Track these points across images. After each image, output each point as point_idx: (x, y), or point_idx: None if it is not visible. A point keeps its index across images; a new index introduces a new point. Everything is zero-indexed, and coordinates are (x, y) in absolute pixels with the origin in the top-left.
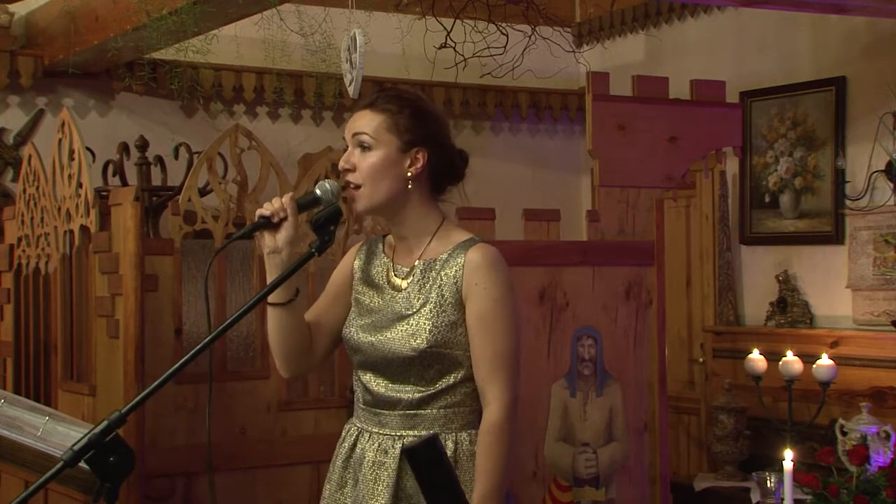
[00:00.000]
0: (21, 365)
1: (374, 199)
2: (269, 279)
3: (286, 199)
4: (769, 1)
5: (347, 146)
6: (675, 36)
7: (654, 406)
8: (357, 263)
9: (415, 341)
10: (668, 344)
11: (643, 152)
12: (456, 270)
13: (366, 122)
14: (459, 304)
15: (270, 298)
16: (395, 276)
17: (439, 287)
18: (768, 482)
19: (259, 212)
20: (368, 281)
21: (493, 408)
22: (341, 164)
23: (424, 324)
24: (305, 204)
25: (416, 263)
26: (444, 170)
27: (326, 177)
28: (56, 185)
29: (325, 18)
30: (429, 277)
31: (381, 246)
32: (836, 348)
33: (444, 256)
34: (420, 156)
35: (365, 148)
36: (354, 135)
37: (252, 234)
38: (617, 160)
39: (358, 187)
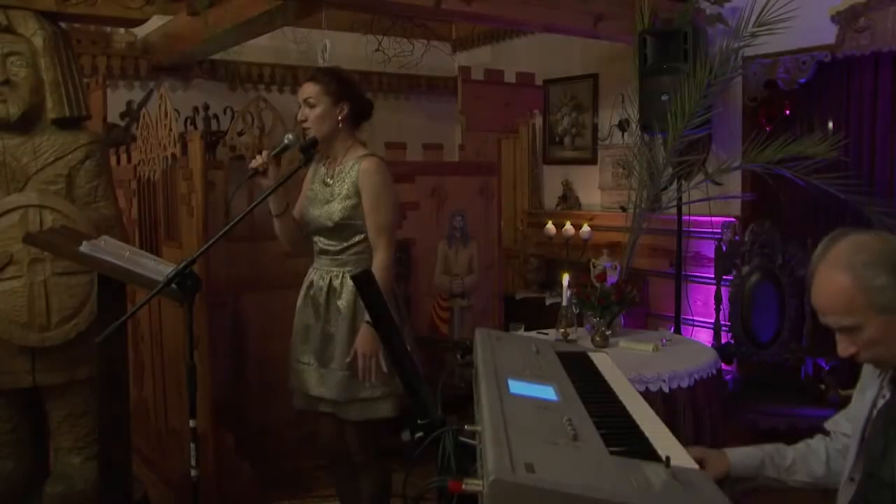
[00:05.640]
0: (142, 232)
1: (318, 133)
2: (271, 202)
3: (265, 154)
4: (559, 29)
5: (301, 105)
6: (508, 46)
7: (495, 253)
8: (310, 175)
9: (332, 218)
10: (504, 219)
11: (491, 112)
12: (355, 172)
13: (310, 90)
14: (357, 194)
15: (274, 211)
16: (327, 177)
17: (346, 183)
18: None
19: (250, 165)
20: (314, 181)
21: (379, 255)
22: (298, 117)
23: (337, 206)
24: (279, 152)
25: (336, 169)
26: (360, 112)
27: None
28: (158, 129)
29: (309, 34)
30: (340, 178)
31: (322, 162)
32: (592, 221)
33: (350, 164)
34: (344, 106)
35: (311, 106)
36: (304, 99)
37: (251, 178)
38: (476, 116)
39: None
